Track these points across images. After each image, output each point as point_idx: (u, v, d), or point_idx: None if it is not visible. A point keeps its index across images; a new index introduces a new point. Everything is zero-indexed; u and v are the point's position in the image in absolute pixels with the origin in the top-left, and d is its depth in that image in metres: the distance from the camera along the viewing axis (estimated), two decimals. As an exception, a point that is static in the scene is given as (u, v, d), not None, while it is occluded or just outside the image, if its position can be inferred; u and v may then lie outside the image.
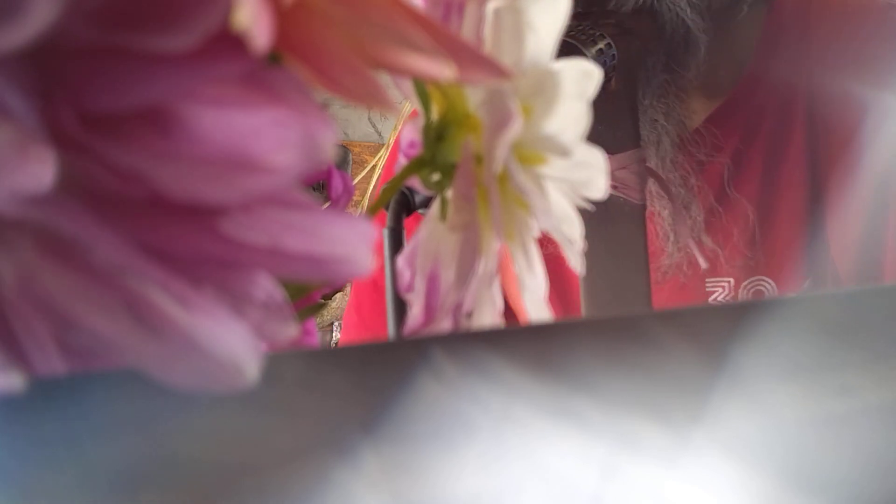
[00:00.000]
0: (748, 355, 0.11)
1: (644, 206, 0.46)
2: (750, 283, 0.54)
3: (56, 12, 0.08)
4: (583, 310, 0.47)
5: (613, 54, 0.41)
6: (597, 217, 0.47)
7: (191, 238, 0.10)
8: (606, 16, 0.45)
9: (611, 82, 0.44)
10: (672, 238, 0.52)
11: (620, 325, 0.12)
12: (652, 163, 0.51)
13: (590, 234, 0.49)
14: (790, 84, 0.52)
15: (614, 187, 0.45)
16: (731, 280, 0.54)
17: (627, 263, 0.45)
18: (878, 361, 0.12)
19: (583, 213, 0.50)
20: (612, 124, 0.45)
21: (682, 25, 0.47)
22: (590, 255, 0.49)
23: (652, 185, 0.50)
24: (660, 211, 0.52)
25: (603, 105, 0.47)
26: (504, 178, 0.15)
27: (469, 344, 0.11)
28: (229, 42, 0.09)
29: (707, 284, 0.55)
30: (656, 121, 0.50)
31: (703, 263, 0.51)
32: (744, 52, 0.54)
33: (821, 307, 0.13)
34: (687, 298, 0.56)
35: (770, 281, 0.54)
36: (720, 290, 0.55)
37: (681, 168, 0.52)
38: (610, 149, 0.45)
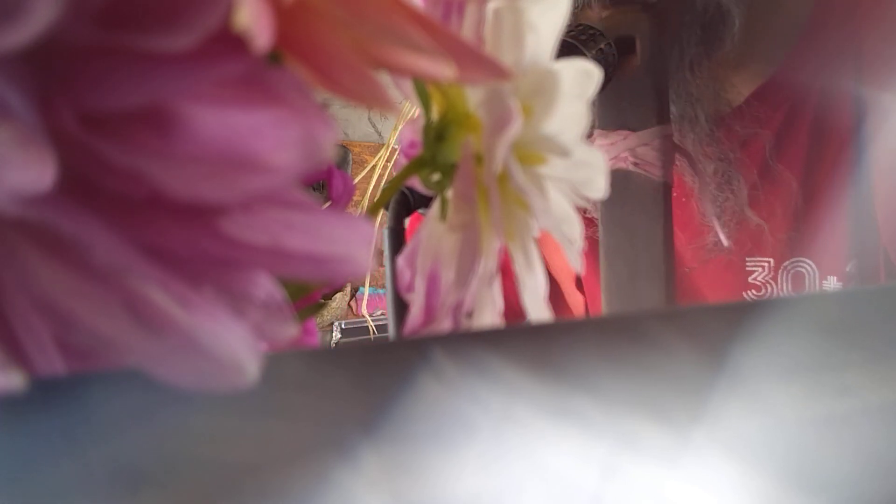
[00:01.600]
0: (748, 355, 0.11)
1: (667, 184, 0.45)
2: (790, 263, 0.54)
3: (56, 12, 0.08)
4: (602, 285, 0.47)
5: (613, 54, 0.41)
6: (616, 194, 0.46)
7: (191, 237, 0.10)
8: (634, 5, 0.45)
9: (635, 59, 0.44)
10: (706, 214, 0.52)
11: (620, 325, 0.12)
12: (688, 137, 0.50)
13: (609, 213, 0.48)
14: (839, 61, 0.51)
15: (636, 164, 0.45)
16: (772, 260, 0.54)
17: (646, 241, 0.45)
18: (878, 361, 0.12)
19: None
20: (634, 102, 0.45)
21: (713, 0, 0.46)
22: (609, 233, 0.48)
23: (686, 163, 0.50)
24: (699, 189, 0.52)
25: (626, 82, 0.47)
26: (504, 178, 0.15)
27: (469, 344, 0.11)
28: (229, 42, 0.09)
29: (747, 263, 0.54)
30: (691, 94, 0.49)
31: (724, 241, 0.51)
32: (791, 28, 0.53)
33: (821, 307, 0.13)
34: (729, 277, 0.55)
35: (810, 262, 0.53)
36: (760, 270, 0.54)
37: (720, 142, 0.51)
38: (633, 125, 0.45)
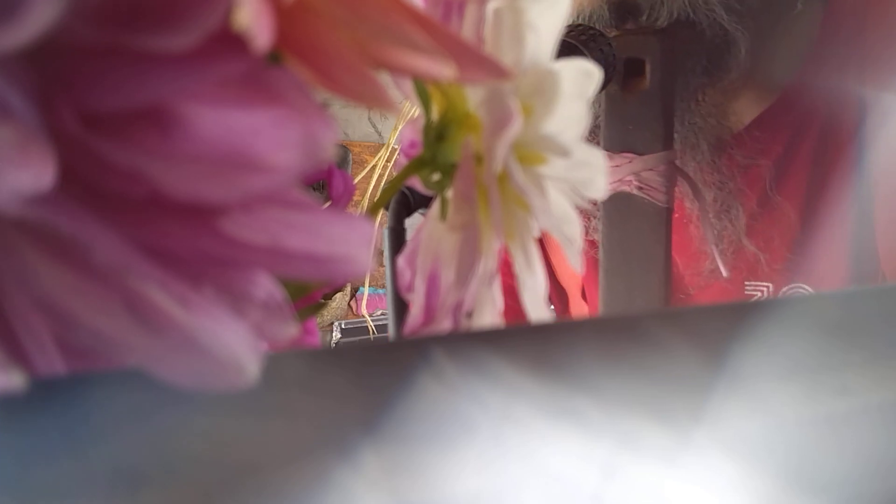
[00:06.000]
0: (748, 355, 0.11)
1: (669, 209, 0.45)
2: (789, 289, 0.53)
3: (56, 12, 0.08)
4: (601, 305, 0.47)
5: (613, 54, 0.41)
6: (618, 217, 0.47)
7: (191, 237, 0.10)
8: (643, 29, 0.45)
9: (644, 82, 0.44)
10: (710, 241, 0.52)
11: (620, 325, 0.12)
12: (689, 165, 0.50)
13: (610, 235, 0.48)
14: (843, 87, 0.51)
15: (639, 188, 0.45)
16: (770, 285, 0.54)
17: (645, 265, 0.45)
18: (878, 361, 0.12)
19: (604, 212, 0.50)
20: (641, 125, 0.45)
21: (720, 30, 0.46)
22: (609, 254, 0.49)
23: (687, 188, 0.50)
24: (698, 214, 0.52)
25: (633, 106, 0.47)
26: (504, 178, 0.15)
27: (469, 344, 0.11)
28: (229, 42, 0.09)
29: (746, 287, 0.54)
30: (694, 123, 0.49)
31: (724, 272, 0.51)
32: (796, 54, 0.52)
33: (821, 307, 0.13)
34: (726, 297, 0.55)
35: (809, 288, 0.53)
36: (758, 295, 0.54)
37: (720, 171, 0.51)
38: (638, 149, 0.45)
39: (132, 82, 0.09)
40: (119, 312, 0.09)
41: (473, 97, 0.16)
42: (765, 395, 0.11)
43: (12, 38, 0.08)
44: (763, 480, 0.10)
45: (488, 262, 0.16)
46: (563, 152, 0.16)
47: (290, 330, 0.10)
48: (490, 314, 0.17)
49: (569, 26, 0.41)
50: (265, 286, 0.10)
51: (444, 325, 0.16)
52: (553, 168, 0.16)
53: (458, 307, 0.16)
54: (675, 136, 0.47)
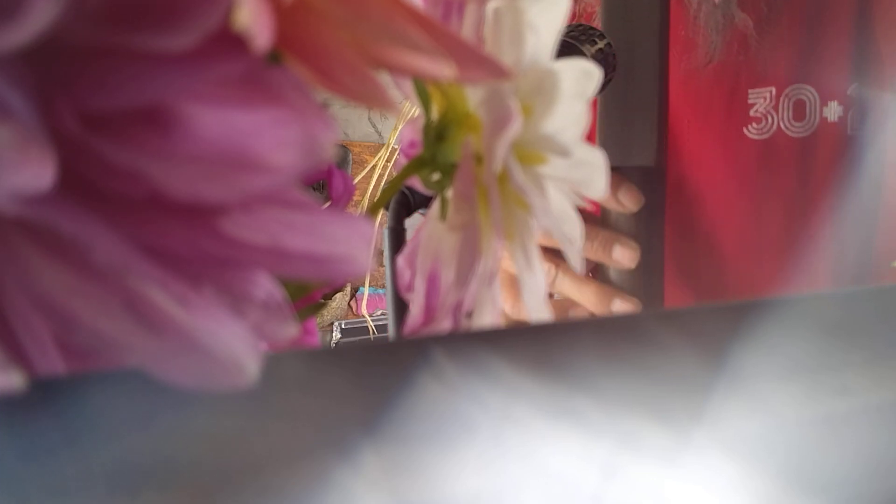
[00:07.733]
0: (748, 355, 0.11)
1: None
2: (791, 90, 0.53)
3: (56, 12, 0.08)
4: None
5: (613, 54, 0.41)
6: None
7: (191, 237, 0.10)
8: None
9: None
10: (702, 16, 0.51)
11: (620, 325, 0.12)
12: None
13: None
14: None
15: None
16: (773, 89, 0.54)
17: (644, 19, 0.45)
18: (878, 361, 0.12)
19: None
20: None
21: None
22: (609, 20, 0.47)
23: None
24: None
25: None
26: (504, 178, 0.15)
27: (469, 344, 0.11)
28: (229, 42, 0.09)
29: (749, 96, 0.54)
30: None
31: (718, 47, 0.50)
32: None
33: (821, 307, 0.13)
34: (730, 114, 0.55)
35: (811, 88, 0.53)
36: (761, 102, 0.54)
37: None
38: None
39: (132, 83, 0.09)
40: (119, 313, 0.09)
41: (473, 97, 0.16)
42: (765, 395, 0.11)
43: (12, 38, 0.08)
44: (763, 480, 0.10)
45: (488, 262, 0.16)
46: (563, 152, 0.16)
47: (290, 330, 0.10)
48: (490, 314, 0.17)
49: (568, 26, 0.41)
50: (265, 286, 0.10)
51: (444, 325, 0.16)
52: (553, 168, 0.16)
53: (458, 307, 0.16)
54: None
